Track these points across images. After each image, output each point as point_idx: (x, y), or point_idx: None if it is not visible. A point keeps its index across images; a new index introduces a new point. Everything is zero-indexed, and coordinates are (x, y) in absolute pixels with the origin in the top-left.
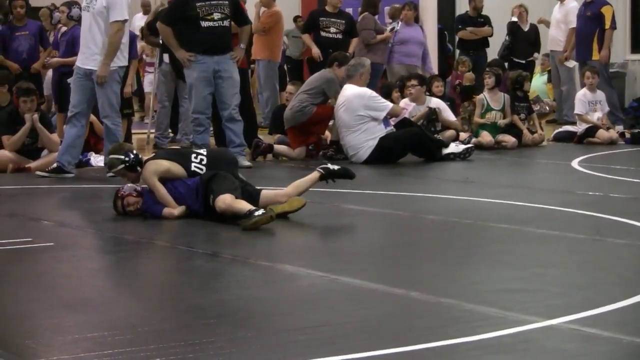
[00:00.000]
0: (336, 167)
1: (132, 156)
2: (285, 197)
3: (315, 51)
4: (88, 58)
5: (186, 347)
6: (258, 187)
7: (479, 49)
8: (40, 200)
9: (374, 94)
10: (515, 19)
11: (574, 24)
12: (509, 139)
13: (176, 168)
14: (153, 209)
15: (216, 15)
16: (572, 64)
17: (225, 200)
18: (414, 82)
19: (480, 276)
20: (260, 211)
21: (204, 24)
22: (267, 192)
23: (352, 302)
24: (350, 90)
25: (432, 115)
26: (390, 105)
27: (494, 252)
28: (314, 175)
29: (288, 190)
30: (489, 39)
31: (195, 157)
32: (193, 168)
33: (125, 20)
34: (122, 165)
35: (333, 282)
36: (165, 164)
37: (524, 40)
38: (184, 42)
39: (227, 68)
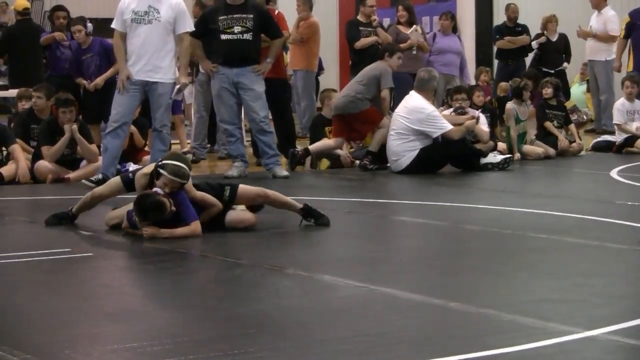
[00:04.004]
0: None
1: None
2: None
3: None
4: (150, 70)
5: (226, 357)
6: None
7: (517, 58)
8: None
9: (435, 112)
10: (535, 44)
11: (615, 32)
12: (547, 149)
13: None
14: (190, 213)
15: (236, 29)
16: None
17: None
18: (464, 95)
19: (520, 286)
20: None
21: (224, 36)
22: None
23: (391, 312)
24: (415, 102)
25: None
26: (448, 127)
27: (533, 262)
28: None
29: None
30: (527, 48)
31: None
32: None
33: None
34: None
35: (372, 292)
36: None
37: (552, 50)
38: (208, 54)
39: (246, 81)
